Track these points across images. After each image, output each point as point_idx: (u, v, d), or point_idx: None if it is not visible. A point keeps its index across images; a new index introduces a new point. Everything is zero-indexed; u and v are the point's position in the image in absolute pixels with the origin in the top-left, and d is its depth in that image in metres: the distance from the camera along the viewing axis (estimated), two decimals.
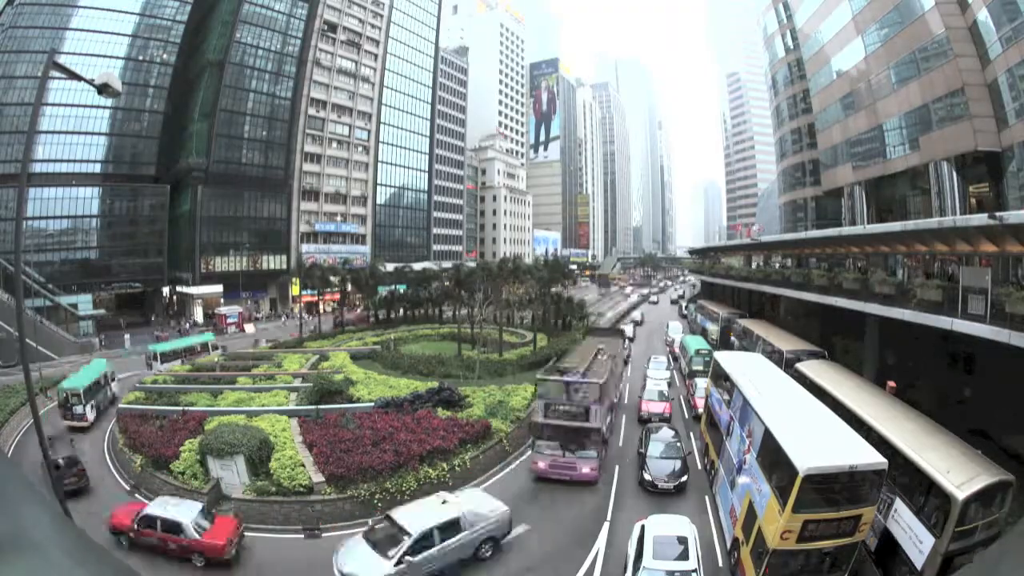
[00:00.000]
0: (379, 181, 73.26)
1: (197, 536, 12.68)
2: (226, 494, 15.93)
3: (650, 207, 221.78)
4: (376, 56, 71.96)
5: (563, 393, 18.05)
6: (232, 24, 57.04)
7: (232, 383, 25.87)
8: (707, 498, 16.31)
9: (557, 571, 12.78)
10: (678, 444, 17.84)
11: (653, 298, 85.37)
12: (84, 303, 46.35)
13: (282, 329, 50.89)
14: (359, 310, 53.18)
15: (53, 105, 47.67)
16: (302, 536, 14.37)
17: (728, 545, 13.36)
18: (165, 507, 13.55)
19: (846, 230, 29.68)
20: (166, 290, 57.24)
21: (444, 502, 13.38)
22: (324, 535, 14.43)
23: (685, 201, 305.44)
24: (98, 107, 50.41)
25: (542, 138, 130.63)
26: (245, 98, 58.32)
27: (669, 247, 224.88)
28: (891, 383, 18.37)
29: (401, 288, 51.07)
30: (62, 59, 29.97)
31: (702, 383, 22.22)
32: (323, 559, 13.45)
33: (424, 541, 12.03)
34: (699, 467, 18.77)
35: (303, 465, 15.85)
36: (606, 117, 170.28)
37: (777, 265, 41.63)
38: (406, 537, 11.97)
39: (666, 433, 18.61)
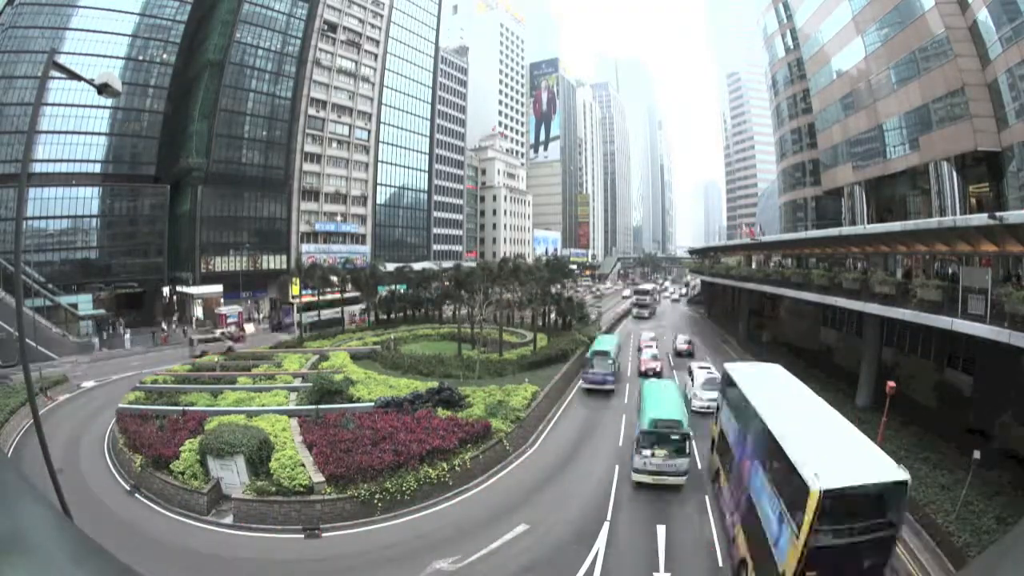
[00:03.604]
0: (379, 181, 73.24)
1: None
2: (226, 494, 15.95)
3: (650, 207, 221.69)
4: (376, 56, 71.94)
5: None
6: (232, 24, 57.00)
7: (232, 383, 25.87)
8: (707, 498, 16.31)
9: (557, 571, 12.78)
10: None
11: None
12: (84, 303, 46.33)
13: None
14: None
15: (53, 105, 47.63)
16: (302, 536, 14.37)
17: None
18: None
19: (846, 230, 29.67)
20: (166, 290, 57.19)
21: None
22: (324, 535, 14.44)
23: (685, 201, 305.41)
24: (98, 107, 50.36)
25: (542, 138, 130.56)
26: (245, 98, 58.28)
27: (669, 247, 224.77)
28: (891, 383, 18.36)
29: (401, 288, 51.06)
30: (62, 59, 29.93)
31: None
32: (322, 559, 13.50)
33: None
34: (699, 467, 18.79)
35: (303, 465, 15.85)
36: (606, 117, 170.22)
37: (777, 264, 41.61)
38: None
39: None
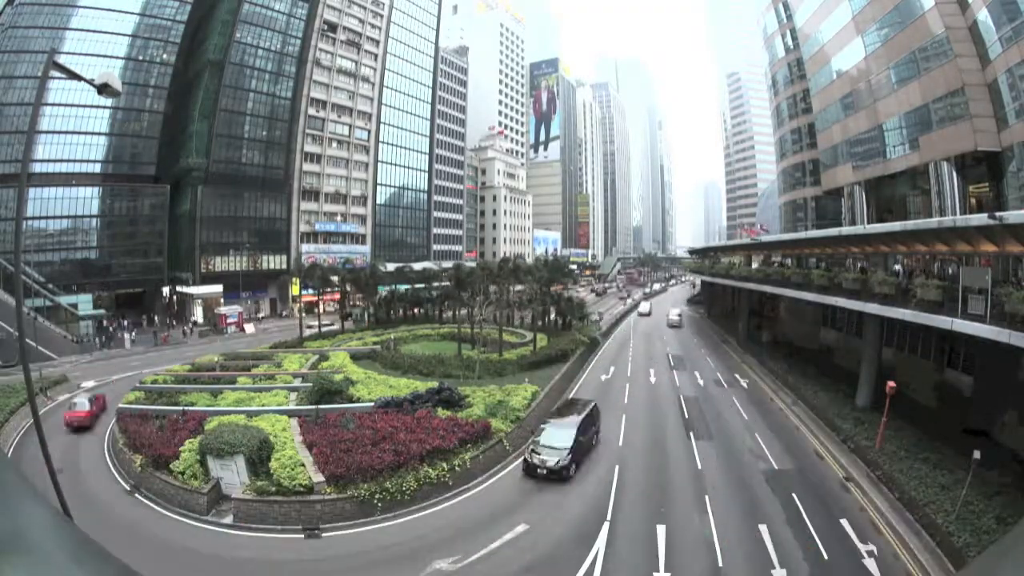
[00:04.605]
0: (379, 181, 73.28)
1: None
2: (226, 494, 15.95)
3: (650, 207, 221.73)
4: (376, 56, 71.97)
5: None
6: (232, 24, 57.05)
7: (232, 383, 25.85)
8: (707, 498, 16.31)
9: (557, 571, 12.78)
10: None
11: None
12: (84, 303, 46.34)
13: (285, 331, 50.79)
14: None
15: (53, 105, 47.66)
16: (302, 536, 14.37)
17: None
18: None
19: (846, 230, 29.67)
20: (166, 290, 57.23)
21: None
22: (324, 535, 14.44)
23: (685, 201, 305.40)
24: (98, 107, 50.40)
25: (542, 138, 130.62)
26: (245, 98, 58.33)
27: (669, 247, 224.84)
28: (891, 383, 18.36)
29: (401, 288, 51.08)
30: (62, 59, 29.96)
31: None
32: (322, 559, 13.51)
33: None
34: (699, 468, 18.79)
35: (303, 465, 15.83)
36: (606, 117, 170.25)
37: (776, 264, 41.63)
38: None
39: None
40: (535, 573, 12.73)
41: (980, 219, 15.44)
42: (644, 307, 65.73)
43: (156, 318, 53.12)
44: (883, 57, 33.04)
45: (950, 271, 21.04)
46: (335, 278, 46.89)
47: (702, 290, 74.99)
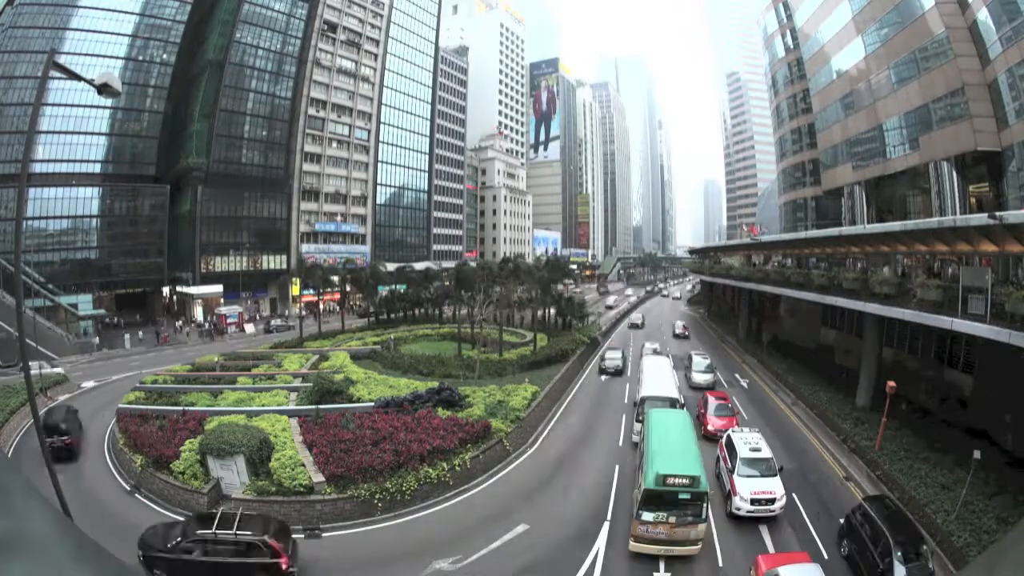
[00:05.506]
0: (379, 181, 73.26)
1: None
2: (226, 494, 15.95)
3: (650, 207, 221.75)
4: (376, 56, 71.95)
5: None
6: (232, 24, 57.01)
7: (232, 383, 25.86)
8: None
9: (557, 571, 12.78)
10: None
11: None
12: (84, 303, 46.35)
13: (284, 330, 50.77)
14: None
15: (53, 105, 47.63)
16: (302, 536, 14.37)
17: None
18: None
19: (846, 230, 29.67)
20: (166, 290, 57.23)
21: None
22: (324, 535, 14.45)
23: (685, 201, 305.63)
24: (98, 107, 50.35)
25: (542, 138, 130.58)
26: (245, 98, 58.28)
27: (669, 247, 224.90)
28: (891, 383, 18.36)
29: (401, 288, 51.07)
30: (62, 59, 29.92)
31: None
32: (323, 559, 13.50)
33: None
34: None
35: (303, 465, 15.85)
36: (606, 117, 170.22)
37: (777, 264, 41.61)
38: None
39: None
40: (535, 573, 12.73)
41: (980, 219, 15.43)
42: (638, 315, 59.58)
43: (157, 318, 53.08)
44: (883, 57, 33.05)
45: (950, 271, 21.04)
46: (335, 278, 46.90)
47: (702, 290, 75.00)
